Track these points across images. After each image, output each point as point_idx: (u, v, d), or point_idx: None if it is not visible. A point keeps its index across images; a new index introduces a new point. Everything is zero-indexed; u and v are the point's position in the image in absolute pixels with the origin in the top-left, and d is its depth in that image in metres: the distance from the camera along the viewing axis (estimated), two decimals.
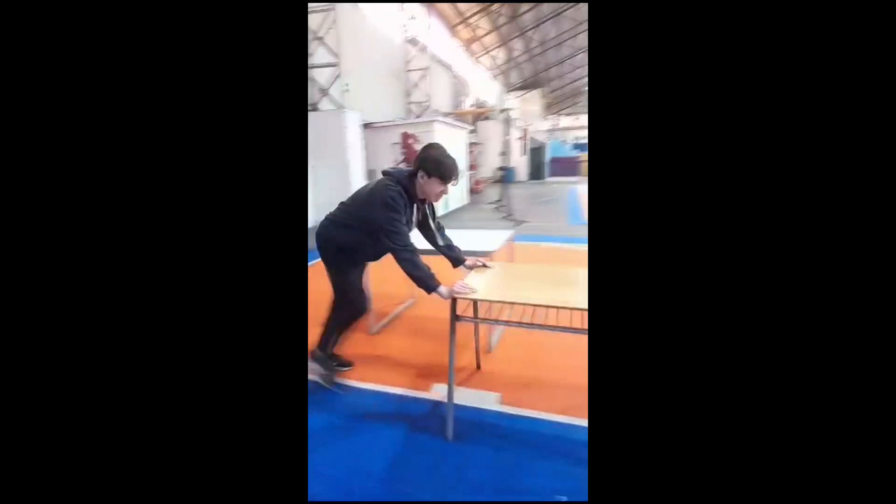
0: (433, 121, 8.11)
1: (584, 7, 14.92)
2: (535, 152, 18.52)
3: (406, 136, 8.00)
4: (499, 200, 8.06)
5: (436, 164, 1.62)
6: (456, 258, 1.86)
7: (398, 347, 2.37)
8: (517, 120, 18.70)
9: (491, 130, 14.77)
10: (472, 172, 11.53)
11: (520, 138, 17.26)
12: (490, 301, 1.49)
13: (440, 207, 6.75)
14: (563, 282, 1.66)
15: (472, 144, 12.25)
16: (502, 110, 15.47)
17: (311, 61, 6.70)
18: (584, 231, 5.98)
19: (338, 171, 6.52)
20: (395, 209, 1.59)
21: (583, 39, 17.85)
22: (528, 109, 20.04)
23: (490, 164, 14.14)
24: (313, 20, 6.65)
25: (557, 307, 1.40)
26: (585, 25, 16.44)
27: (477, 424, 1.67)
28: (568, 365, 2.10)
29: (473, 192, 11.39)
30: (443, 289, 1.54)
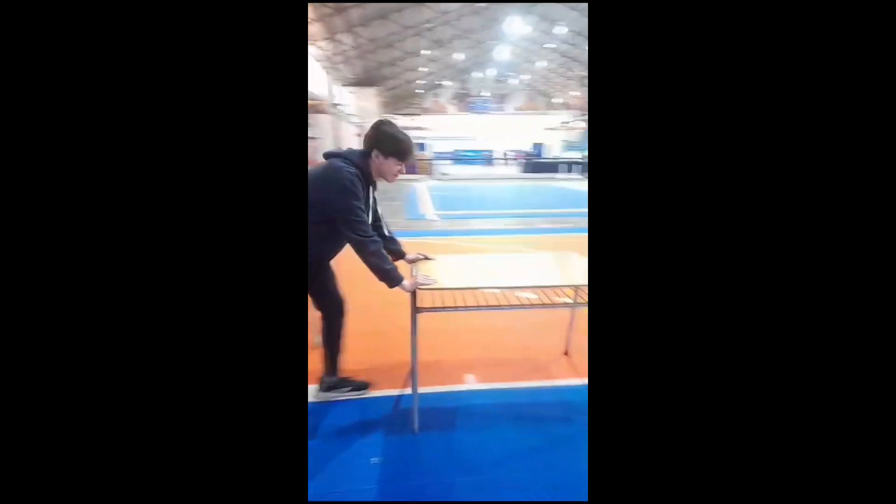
0: None
1: (411, 11, 15.61)
2: None
3: None
4: None
5: (394, 142, 1.49)
6: (398, 251, 1.74)
7: None
8: (352, 116, 18.47)
9: (324, 125, 14.24)
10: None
11: (357, 134, 17.11)
12: (458, 289, 1.59)
13: None
14: (510, 267, 1.90)
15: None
16: (335, 104, 15.05)
17: None
18: (421, 225, 6.30)
19: None
20: (356, 195, 1.42)
21: (412, 43, 18.67)
22: (363, 106, 19.98)
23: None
24: None
25: (524, 287, 1.60)
26: (413, 31, 17.24)
27: (431, 411, 1.67)
28: (488, 342, 2.33)
29: None
30: (406, 282, 1.46)
